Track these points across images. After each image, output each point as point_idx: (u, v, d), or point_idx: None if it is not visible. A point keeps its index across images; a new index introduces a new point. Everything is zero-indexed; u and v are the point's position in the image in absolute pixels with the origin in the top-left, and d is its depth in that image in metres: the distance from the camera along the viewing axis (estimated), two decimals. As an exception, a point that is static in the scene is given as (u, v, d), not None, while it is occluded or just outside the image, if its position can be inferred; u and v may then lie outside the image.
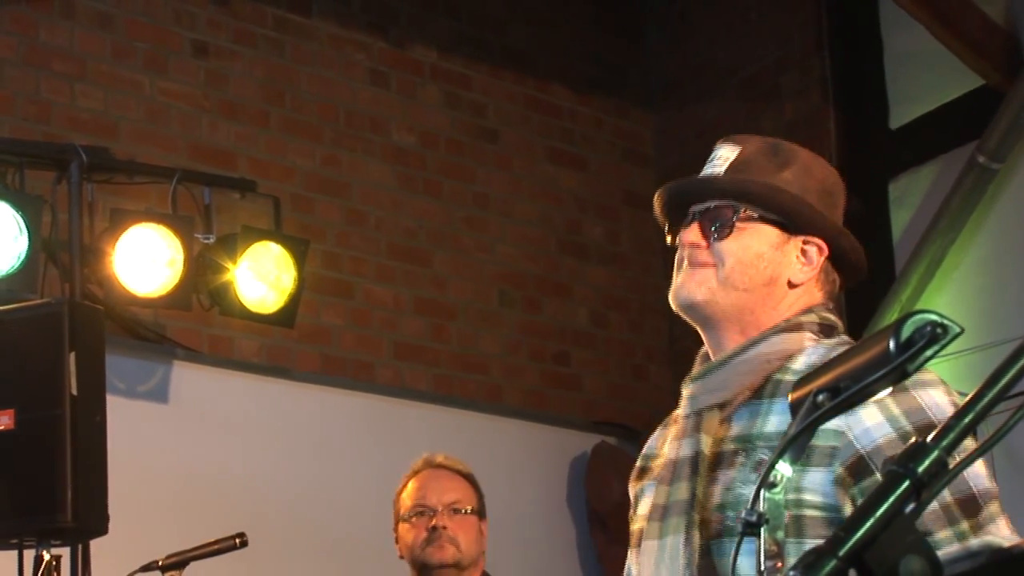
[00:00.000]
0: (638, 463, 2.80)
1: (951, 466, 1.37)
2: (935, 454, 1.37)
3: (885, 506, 1.35)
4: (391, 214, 6.79)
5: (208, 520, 5.29)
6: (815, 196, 2.70)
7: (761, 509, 1.53)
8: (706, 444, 2.54)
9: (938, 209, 6.19)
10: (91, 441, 4.31)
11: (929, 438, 1.38)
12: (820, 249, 2.68)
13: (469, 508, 4.55)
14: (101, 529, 4.37)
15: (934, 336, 1.47)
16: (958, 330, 1.48)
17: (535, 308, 7.16)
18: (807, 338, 2.60)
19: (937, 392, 2.41)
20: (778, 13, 7.17)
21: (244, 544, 4.58)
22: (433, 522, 4.47)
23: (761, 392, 2.55)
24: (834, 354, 2.40)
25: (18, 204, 5.21)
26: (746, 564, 2.31)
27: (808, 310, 2.65)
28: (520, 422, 6.78)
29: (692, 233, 2.65)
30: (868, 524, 1.34)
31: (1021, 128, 5.95)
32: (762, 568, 1.49)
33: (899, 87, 6.64)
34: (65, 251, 5.42)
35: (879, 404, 2.39)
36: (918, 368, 1.50)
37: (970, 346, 5.44)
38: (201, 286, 5.65)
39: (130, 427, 5.43)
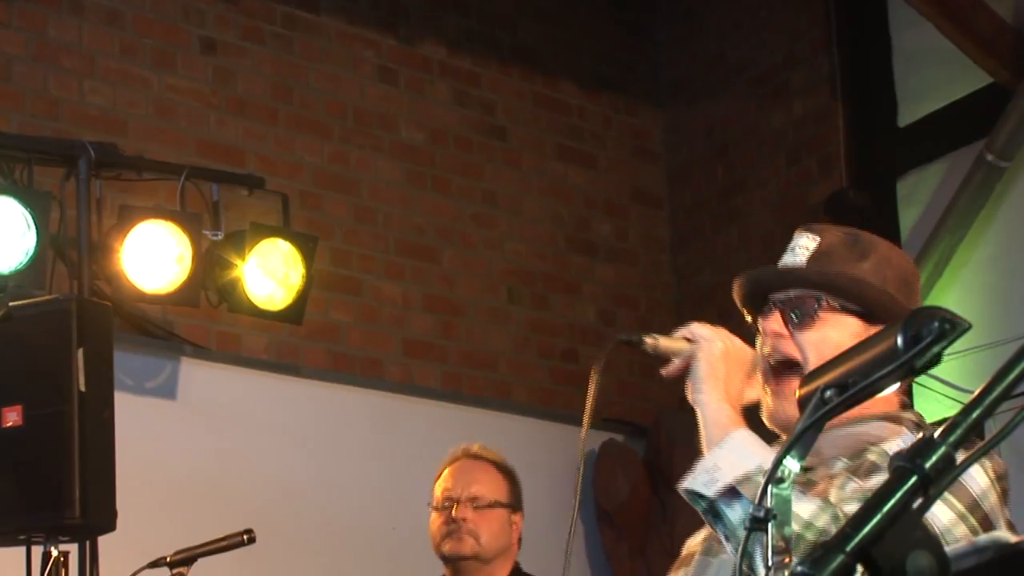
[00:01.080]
0: None
1: (958, 462, 1.37)
2: (942, 450, 1.37)
3: (892, 502, 1.34)
4: (400, 211, 6.79)
5: (215, 516, 5.29)
6: (894, 286, 2.74)
7: (768, 505, 1.53)
8: None
9: (946, 207, 6.19)
10: (99, 438, 4.31)
11: (936, 434, 1.38)
12: None
13: (494, 500, 4.49)
14: (109, 525, 4.37)
15: (942, 332, 1.47)
16: (966, 326, 1.48)
17: (543, 305, 7.16)
18: (903, 431, 2.65)
19: (979, 468, 2.50)
20: (787, 10, 7.16)
21: (252, 541, 4.57)
22: (453, 513, 4.43)
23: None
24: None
25: (26, 200, 5.21)
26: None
27: (905, 406, 2.73)
28: (528, 419, 6.78)
29: (774, 322, 2.70)
30: (875, 520, 1.34)
31: (1030, 126, 5.95)
32: (770, 563, 1.49)
33: (907, 85, 6.63)
34: (73, 247, 5.43)
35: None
36: (926, 363, 1.49)
37: (978, 343, 5.43)
38: (209, 283, 5.66)
39: (138, 424, 5.44)
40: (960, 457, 1.39)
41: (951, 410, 1.36)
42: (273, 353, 6.32)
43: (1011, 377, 1.42)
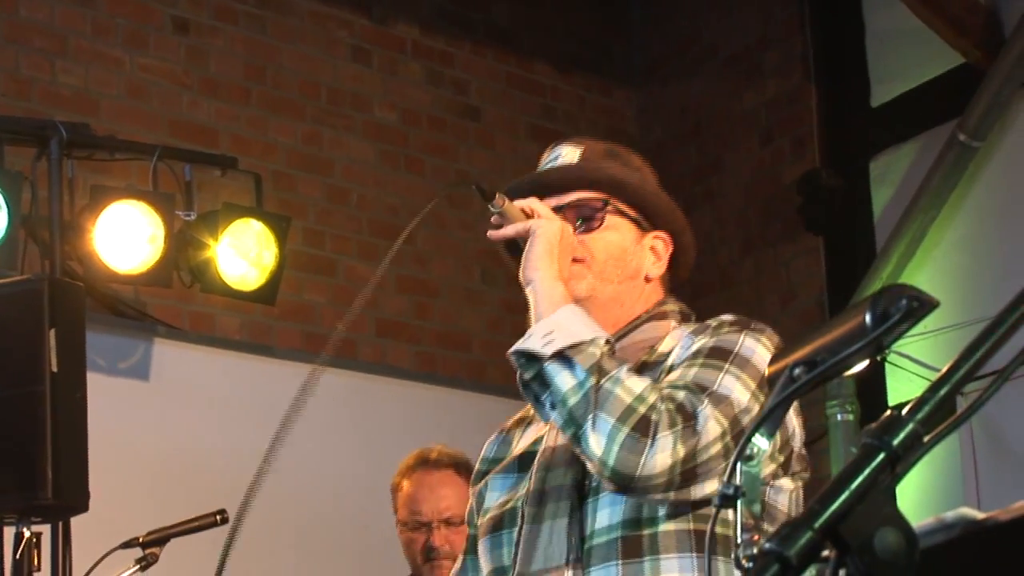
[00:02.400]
0: (479, 467, 2.88)
1: (926, 439, 1.38)
2: (910, 427, 1.37)
3: (860, 478, 1.35)
4: (373, 191, 6.79)
5: (188, 497, 5.29)
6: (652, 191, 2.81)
7: (738, 482, 1.54)
8: None
9: (919, 187, 6.20)
10: (71, 418, 4.30)
11: (904, 411, 1.38)
12: (667, 244, 2.77)
13: (462, 515, 4.46)
14: (81, 506, 4.36)
15: (911, 309, 1.47)
16: (934, 303, 1.48)
17: (517, 286, 7.14)
18: (671, 325, 2.73)
19: (759, 343, 2.58)
20: (760, -9, 7.18)
21: (225, 521, 4.58)
22: (429, 540, 4.41)
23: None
24: (693, 334, 2.63)
25: (-2, 180, 5.20)
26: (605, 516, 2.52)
27: (665, 300, 2.77)
28: (503, 399, 6.77)
29: None
30: (843, 496, 1.34)
31: (1002, 106, 5.97)
32: (739, 541, 1.49)
33: (880, 65, 6.65)
34: (45, 228, 5.41)
35: (714, 333, 2.60)
36: (895, 341, 1.50)
37: (950, 323, 5.46)
38: (182, 263, 5.64)
39: (110, 404, 5.43)
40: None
41: (922, 389, 1.36)
42: (246, 333, 6.31)
43: (979, 355, 1.43)
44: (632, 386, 2.45)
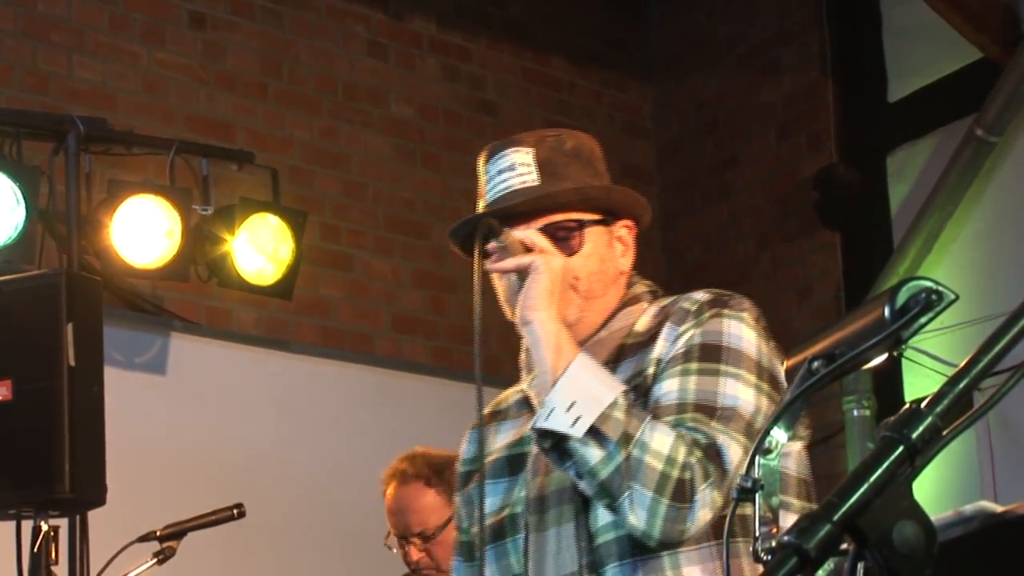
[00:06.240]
0: (461, 469, 2.84)
1: (944, 432, 1.38)
2: (929, 420, 1.38)
3: (879, 472, 1.35)
4: (389, 186, 6.79)
5: (205, 491, 5.30)
6: (607, 175, 2.77)
7: (756, 475, 1.54)
8: None
9: (936, 182, 6.20)
10: (89, 412, 4.31)
11: (923, 404, 1.39)
12: (631, 230, 2.77)
13: (438, 526, 4.36)
14: (99, 500, 4.36)
15: (929, 302, 1.47)
16: (953, 296, 1.48)
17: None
18: (644, 306, 2.73)
19: (742, 326, 2.58)
20: (777, -14, 7.17)
21: (241, 515, 4.59)
22: (410, 557, 4.37)
23: (611, 360, 2.65)
24: (665, 306, 2.65)
25: (15, 175, 5.21)
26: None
27: (632, 281, 2.77)
28: (518, 395, 6.78)
29: None
30: (862, 490, 1.34)
31: (1019, 101, 5.95)
32: (757, 533, 1.49)
33: (898, 60, 6.63)
34: (63, 222, 5.42)
35: (696, 323, 2.58)
36: (913, 335, 1.50)
37: (968, 319, 5.45)
38: (199, 258, 5.66)
39: (128, 399, 5.43)
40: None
41: (938, 385, 1.37)
42: (263, 328, 6.32)
43: (997, 349, 1.43)
44: (660, 448, 2.41)
